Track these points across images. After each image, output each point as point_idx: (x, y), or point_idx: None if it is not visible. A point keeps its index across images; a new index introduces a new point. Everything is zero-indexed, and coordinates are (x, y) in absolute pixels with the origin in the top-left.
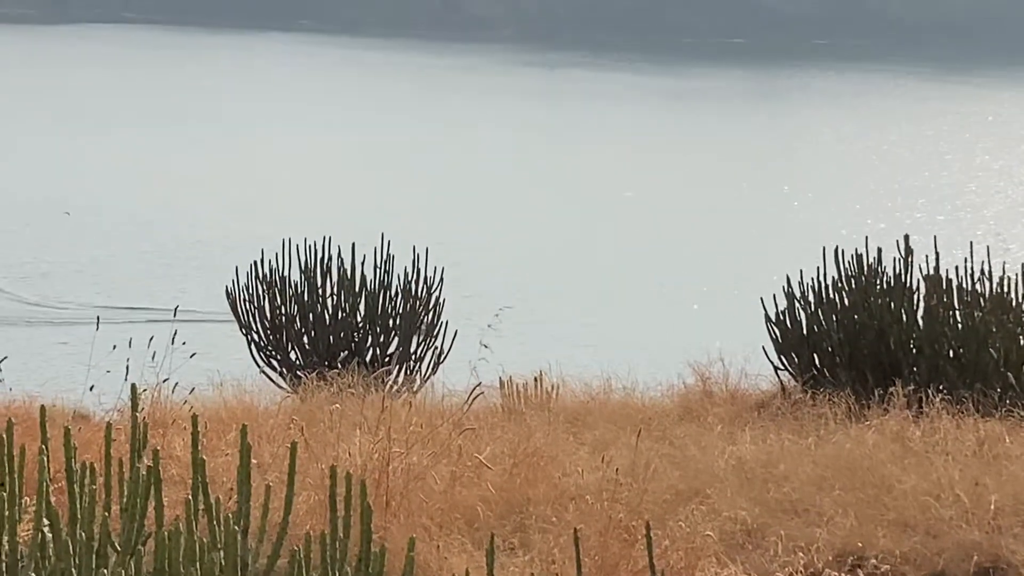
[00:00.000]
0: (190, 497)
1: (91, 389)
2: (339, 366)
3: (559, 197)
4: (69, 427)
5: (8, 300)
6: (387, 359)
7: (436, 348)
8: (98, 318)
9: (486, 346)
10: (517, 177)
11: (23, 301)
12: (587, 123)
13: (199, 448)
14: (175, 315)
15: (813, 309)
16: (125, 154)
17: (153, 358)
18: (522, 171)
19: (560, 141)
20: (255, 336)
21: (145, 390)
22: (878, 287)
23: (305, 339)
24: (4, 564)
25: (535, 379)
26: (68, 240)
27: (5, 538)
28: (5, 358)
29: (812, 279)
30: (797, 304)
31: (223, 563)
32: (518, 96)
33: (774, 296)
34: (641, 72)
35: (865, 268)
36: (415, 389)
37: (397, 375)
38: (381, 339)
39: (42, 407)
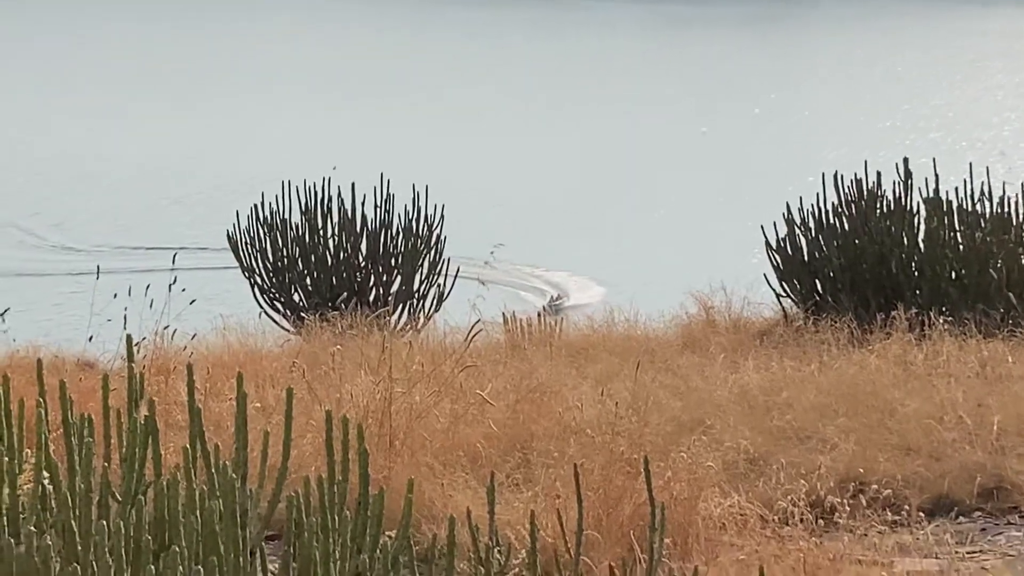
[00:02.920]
0: (187, 446)
1: (90, 340)
2: (342, 307)
3: (559, 130)
4: (64, 381)
5: (25, 247)
6: (390, 298)
7: (439, 286)
8: (98, 267)
9: (483, 283)
10: (517, 110)
11: (37, 245)
12: (589, 52)
13: (195, 396)
14: (174, 262)
15: (813, 235)
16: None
17: (151, 306)
18: (522, 104)
19: (562, 73)
20: (258, 279)
21: (144, 339)
22: (878, 211)
23: (308, 280)
24: (5, 516)
25: (538, 314)
26: (88, 186)
27: (6, 491)
28: (7, 310)
29: (812, 205)
30: (797, 230)
31: (222, 510)
32: (519, 28)
33: (774, 223)
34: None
35: (865, 192)
36: (418, 328)
37: (400, 314)
38: (384, 278)
39: (39, 360)
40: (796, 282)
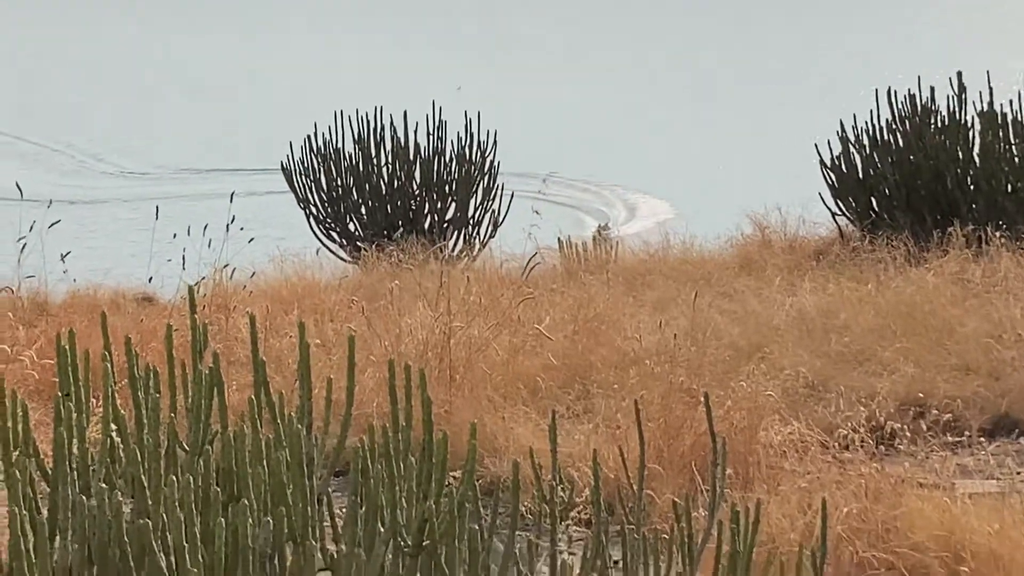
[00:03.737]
0: (252, 397)
1: (150, 280)
2: (397, 235)
3: (607, 54)
4: (129, 337)
5: (83, 173)
6: (445, 225)
7: (493, 212)
8: (156, 208)
9: (537, 212)
10: (572, 30)
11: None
12: None
13: (259, 346)
14: (231, 200)
15: (868, 152)
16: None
17: (210, 245)
18: (578, 21)
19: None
20: (313, 209)
21: (203, 278)
22: (933, 127)
23: (363, 209)
24: (76, 470)
25: (593, 238)
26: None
27: (76, 444)
28: (69, 252)
29: (866, 122)
30: (852, 148)
31: (289, 460)
32: None
33: (828, 141)
34: None
35: (919, 108)
36: (474, 255)
37: (455, 241)
38: (438, 206)
39: (103, 313)
40: (851, 200)
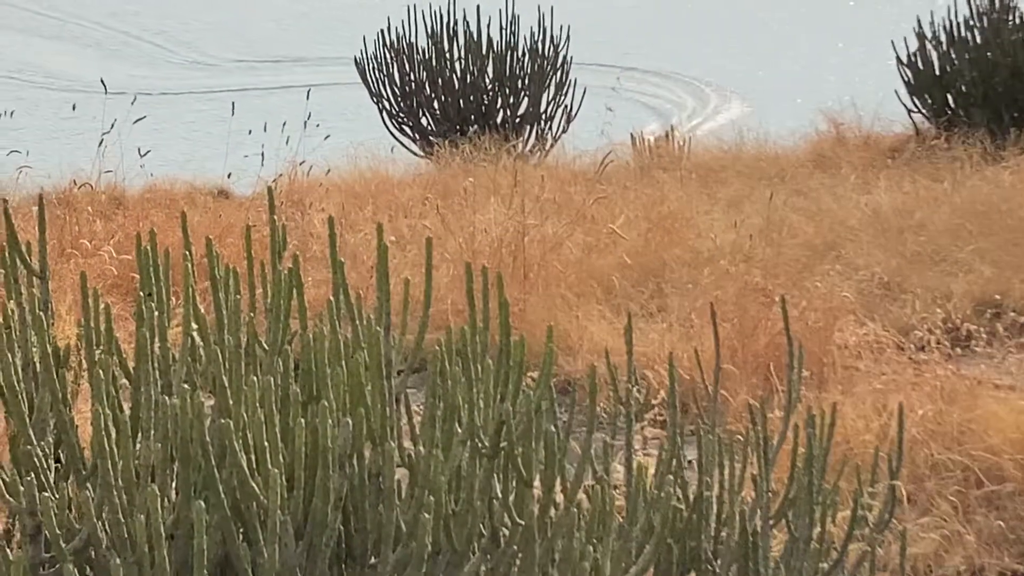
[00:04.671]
0: (331, 298)
1: (228, 176)
2: (470, 130)
3: None
4: (211, 239)
5: (155, 63)
6: (517, 120)
7: (566, 107)
8: (233, 104)
9: (610, 109)
10: None
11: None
12: None
13: (336, 250)
14: (308, 97)
15: (945, 49)
16: None
17: (287, 142)
18: None
19: None
20: (386, 104)
21: (280, 176)
22: (1011, 23)
23: (435, 104)
24: (158, 369)
25: (666, 134)
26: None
27: (157, 344)
28: (149, 151)
29: (943, 18)
30: (928, 44)
31: (367, 362)
32: None
33: (904, 38)
34: None
35: (997, 4)
36: (546, 150)
37: (528, 136)
38: (511, 100)
39: (183, 214)
40: (927, 97)
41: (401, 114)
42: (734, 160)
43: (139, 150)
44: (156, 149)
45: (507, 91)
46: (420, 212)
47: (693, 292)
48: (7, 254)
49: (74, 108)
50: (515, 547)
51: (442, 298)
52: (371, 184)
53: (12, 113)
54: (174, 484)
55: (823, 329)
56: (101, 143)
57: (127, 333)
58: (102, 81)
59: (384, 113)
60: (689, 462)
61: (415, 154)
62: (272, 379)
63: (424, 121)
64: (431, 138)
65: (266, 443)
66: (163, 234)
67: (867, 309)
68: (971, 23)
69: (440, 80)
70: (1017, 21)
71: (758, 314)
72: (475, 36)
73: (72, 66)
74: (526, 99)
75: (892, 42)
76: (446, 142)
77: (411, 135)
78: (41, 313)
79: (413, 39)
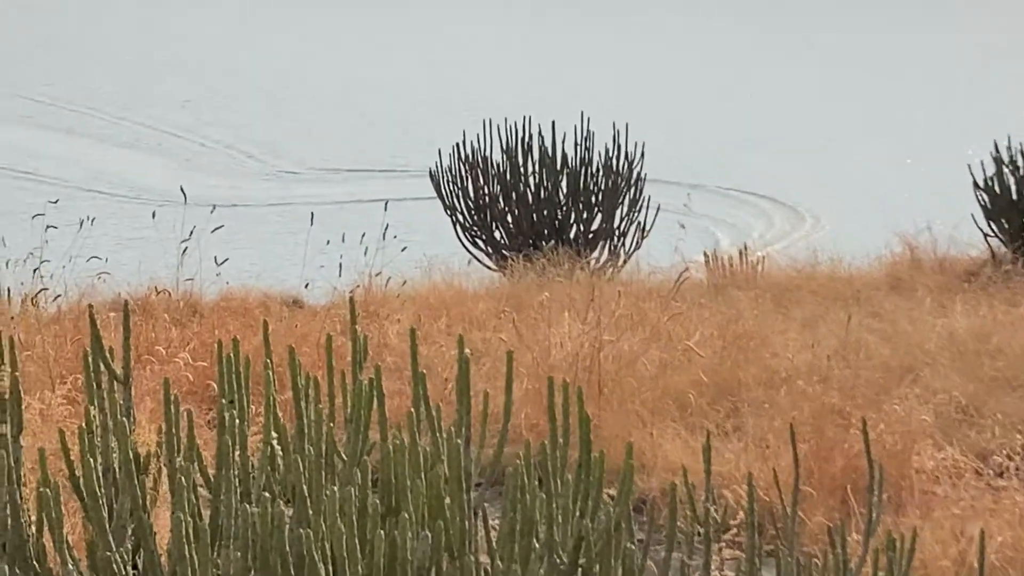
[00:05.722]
0: (412, 410)
1: (306, 287)
2: (543, 244)
3: (746, 70)
4: (293, 347)
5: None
6: (590, 236)
7: (639, 223)
8: (312, 213)
9: (682, 226)
10: (705, 51)
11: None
12: None
13: (418, 361)
14: (386, 209)
15: (1022, 173)
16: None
17: (365, 254)
18: (714, 44)
19: (747, 19)
20: (460, 217)
21: (357, 287)
22: None
23: (509, 218)
24: (238, 478)
25: (740, 252)
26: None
27: (237, 453)
28: (227, 260)
29: (1020, 143)
30: (1005, 169)
31: (447, 474)
32: None
33: (981, 162)
34: None
35: None
36: (620, 265)
37: (601, 252)
38: (584, 216)
39: (264, 322)
40: (1004, 221)
41: (475, 227)
42: (808, 280)
43: (215, 259)
44: (231, 258)
45: (581, 206)
46: (494, 325)
47: (769, 412)
48: (91, 359)
49: (154, 216)
50: None
51: (516, 412)
52: (445, 296)
53: (93, 220)
54: None
55: (901, 453)
56: (184, 251)
57: (202, 440)
58: (182, 190)
59: (457, 226)
60: None
61: (488, 267)
62: (351, 489)
63: (497, 235)
64: (504, 252)
65: (345, 554)
66: (240, 341)
67: (945, 433)
68: None
69: (514, 194)
70: None
71: (835, 436)
72: (550, 151)
73: (146, 176)
74: (600, 215)
75: (968, 166)
76: (519, 256)
77: (484, 248)
78: (123, 419)
79: (488, 153)
